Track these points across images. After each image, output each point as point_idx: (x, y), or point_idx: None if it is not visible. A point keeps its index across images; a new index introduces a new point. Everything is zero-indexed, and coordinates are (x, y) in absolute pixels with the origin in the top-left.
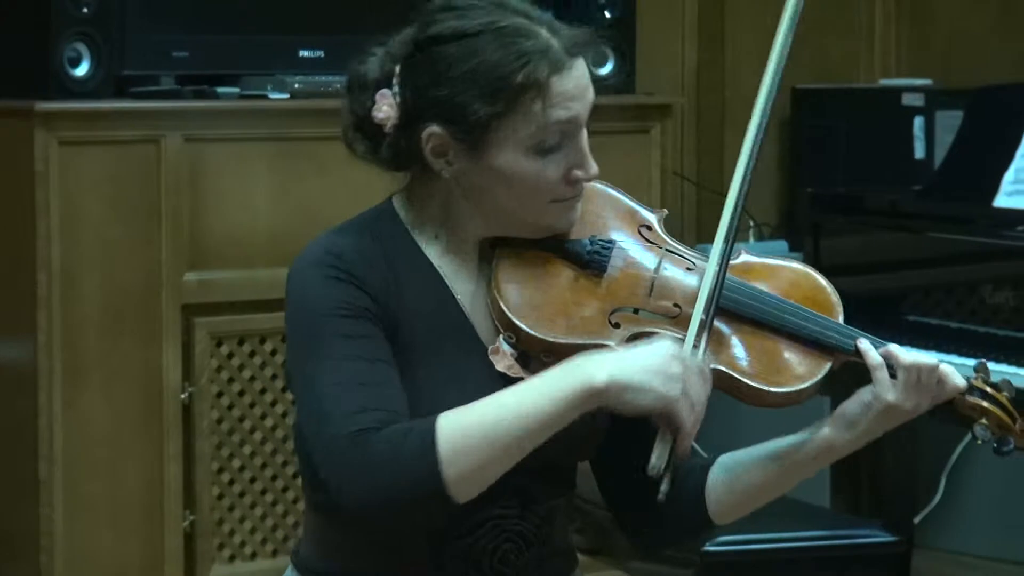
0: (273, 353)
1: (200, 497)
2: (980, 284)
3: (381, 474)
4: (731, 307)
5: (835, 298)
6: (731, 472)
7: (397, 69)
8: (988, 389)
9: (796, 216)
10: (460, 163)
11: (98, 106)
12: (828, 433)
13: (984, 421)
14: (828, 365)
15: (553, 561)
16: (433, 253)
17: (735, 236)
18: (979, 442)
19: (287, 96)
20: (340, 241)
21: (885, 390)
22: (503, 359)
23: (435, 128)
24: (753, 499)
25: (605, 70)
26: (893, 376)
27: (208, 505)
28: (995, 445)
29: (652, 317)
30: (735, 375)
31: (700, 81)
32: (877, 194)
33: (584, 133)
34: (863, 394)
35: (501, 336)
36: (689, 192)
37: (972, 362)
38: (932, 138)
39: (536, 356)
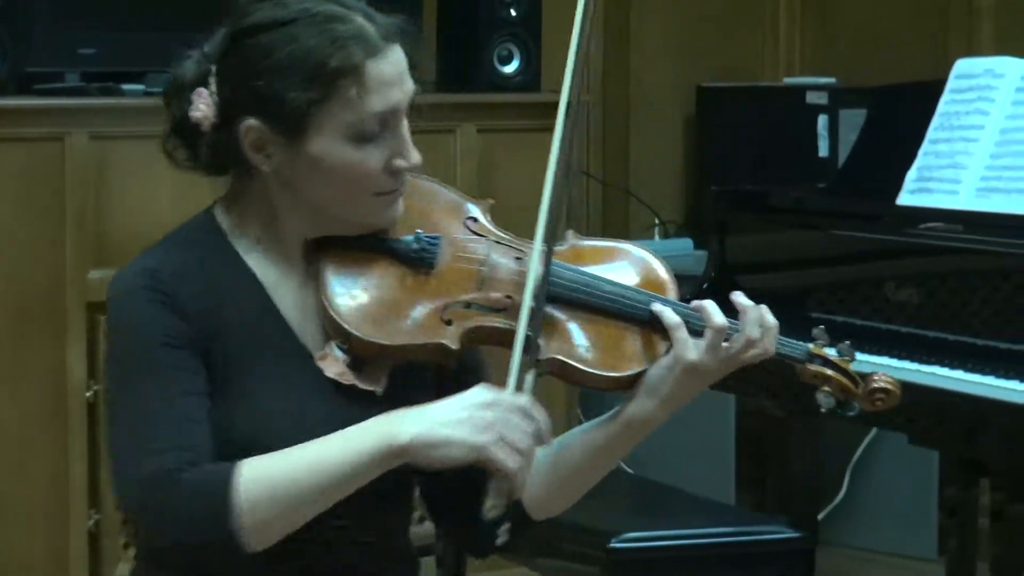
0: None
1: (105, 496)
2: (884, 282)
3: (176, 519)
4: (561, 293)
5: (666, 275)
6: (550, 458)
7: (213, 68)
8: (828, 355)
9: (701, 214)
10: (279, 156)
11: (2, 103)
12: (633, 405)
13: (827, 388)
14: (665, 345)
15: (391, 569)
16: (255, 261)
17: (556, 221)
18: (822, 410)
19: None
20: (156, 260)
21: (686, 350)
22: (333, 365)
23: (252, 121)
24: (572, 485)
25: (511, 68)
26: (696, 335)
27: (113, 504)
28: (839, 411)
29: (483, 311)
30: (570, 362)
31: (606, 79)
32: (781, 192)
33: (405, 122)
34: (664, 359)
35: (333, 342)
36: (595, 190)
37: (876, 359)
38: (836, 136)
39: (370, 361)
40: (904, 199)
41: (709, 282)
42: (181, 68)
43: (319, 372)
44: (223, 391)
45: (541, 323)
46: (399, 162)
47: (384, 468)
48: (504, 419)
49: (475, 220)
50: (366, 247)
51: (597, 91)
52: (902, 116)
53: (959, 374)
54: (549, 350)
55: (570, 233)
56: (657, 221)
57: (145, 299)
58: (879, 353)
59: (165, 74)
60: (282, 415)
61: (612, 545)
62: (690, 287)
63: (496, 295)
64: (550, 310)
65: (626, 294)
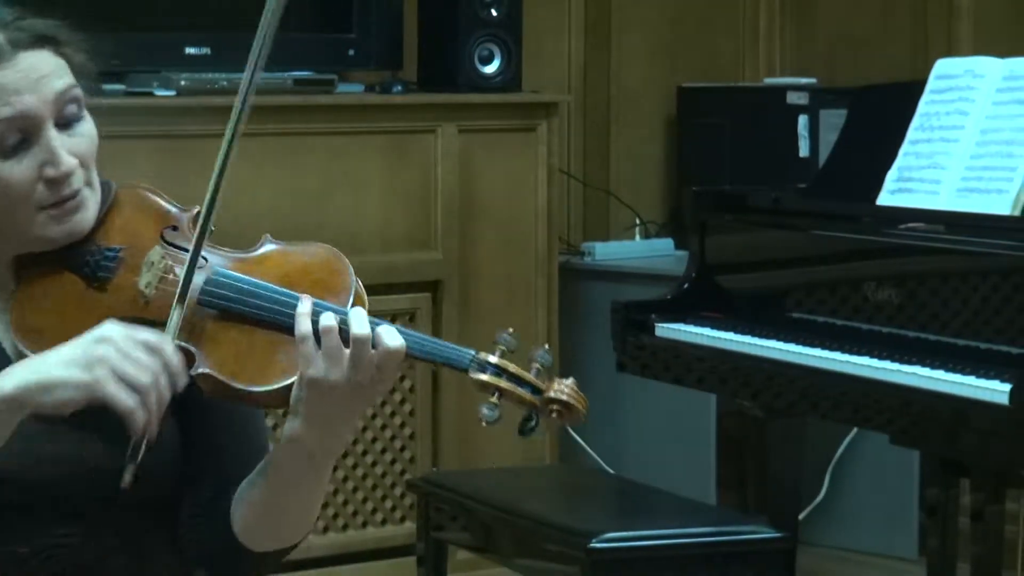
0: None
1: None
2: (863, 282)
3: None
4: (217, 303)
5: (348, 280)
6: (242, 489)
7: None
8: (495, 361)
9: (682, 214)
10: None
11: None
12: (287, 425)
13: (493, 400)
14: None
15: None
16: None
17: (208, 231)
18: (483, 424)
19: (173, 93)
20: None
21: (306, 364)
22: None
23: None
24: (262, 515)
25: (491, 68)
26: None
27: None
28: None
29: (150, 323)
30: (219, 376)
31: (586, 79)
32: (762, 192)
33: (51, 128)
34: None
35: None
36: (576, 190)
37: (857, 359)
38: (816, 136)
39: None
40: (884, 199)
41: (690, 282)
42: None
43: None
44: None
45: (180, 326)
46: (49, 171)
47: (4, 421)
48: (119, 353)
49: (175, 228)
50: (55, 262)
51: (578, 91)
52: (882, 116)
53: (940, 374)
54: (202, 366)
55: (266, 237)
56: (638, 221)
57: None
58: (859, 353)
59: (147, 74)
60: None
61: (592, 545)
62: (671, 287)
63: (166, 308)
64: (208, 324)
65: (284, 305)
